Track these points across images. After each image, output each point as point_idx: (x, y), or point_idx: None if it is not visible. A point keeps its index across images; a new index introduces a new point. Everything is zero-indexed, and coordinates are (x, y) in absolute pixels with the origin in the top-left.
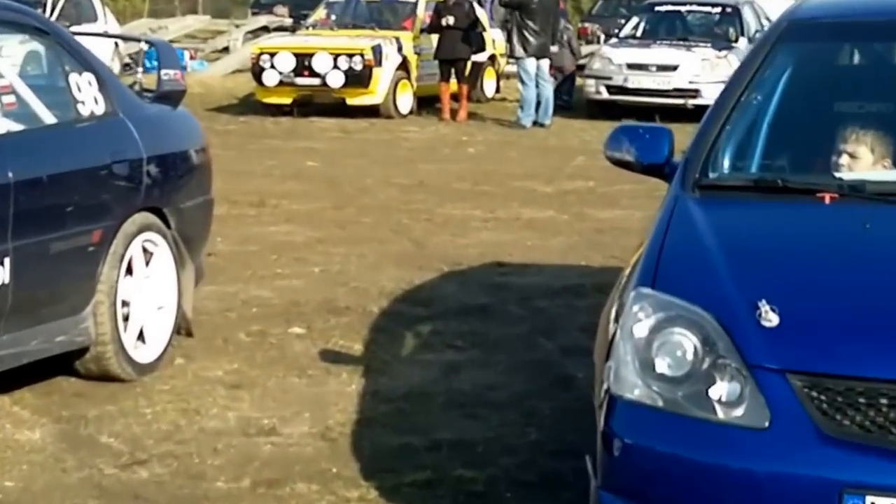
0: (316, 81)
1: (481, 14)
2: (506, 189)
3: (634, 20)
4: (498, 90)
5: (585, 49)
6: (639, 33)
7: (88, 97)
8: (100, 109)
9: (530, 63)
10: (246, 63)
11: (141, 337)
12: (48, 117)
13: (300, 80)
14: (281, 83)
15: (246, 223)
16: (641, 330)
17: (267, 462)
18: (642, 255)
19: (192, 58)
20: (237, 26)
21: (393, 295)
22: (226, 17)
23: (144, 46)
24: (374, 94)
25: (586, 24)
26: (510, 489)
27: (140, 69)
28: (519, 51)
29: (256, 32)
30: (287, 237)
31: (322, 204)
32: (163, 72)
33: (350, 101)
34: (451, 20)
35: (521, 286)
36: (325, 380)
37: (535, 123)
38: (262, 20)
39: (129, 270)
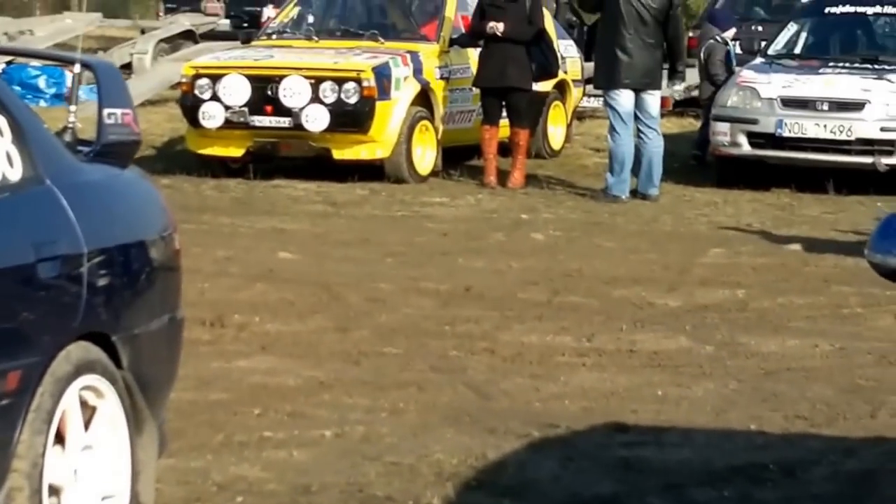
0: (284, 122)
1: (548, 17)
2: (604, 301)
3: (791, 28)
4: (568, 138)
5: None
6: (798, 49)
7: None
8: (15, 174)
9: (625, 98)
10: (162, 90)
11: None
12: None
13: (259, 121)
14: (228, 124)
15: (200, 354)
16: None
17: None
18: None
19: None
20: (144, 31)
21: (458, 477)
22: (123, 15)
23: (77, 69)
24: (378, 144)
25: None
26: None
27: (73, 106)
28: (604, 77)
29: (175, 41)
30: (270, 378)
31: (316, 323)
32: (106, 112)
33: (339, 155)
34: (500, 27)
35: (662, 465)
36: None
37: (633, 193)
38: (185, 22)
39: (60, 437)
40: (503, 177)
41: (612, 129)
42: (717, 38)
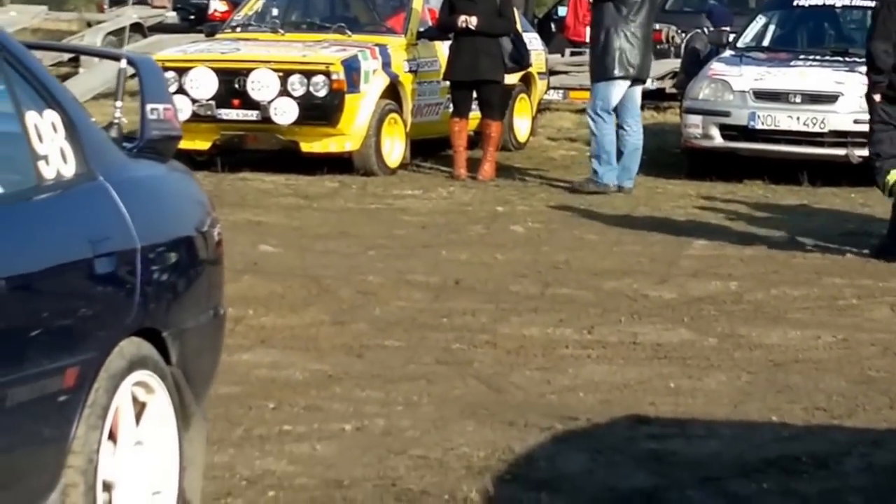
0: (252, 115)
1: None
2: (597, 293)
3: (759, 21)
4: (533, 131)
5: (663, 65)
6: (767, 41)
7: (53, 150)
8: (69, 169)
9: (619, 90)
10: (113, 82)
11: None
12: None
13: (226, 114)
14: (195, 118)
15: None
16: None
17: None
18: None
19: None
20: (90, 24)
21: (490, 471)
22: (65, 7)
23: (124, 65)
24: (347, 137)
25: (658, 27)
26: None
27: (119, 102)
28: (607, 68)
29: (122, 34)
30: (276, 371)
31: (311, 316)
32: (148, 107)
33: (307, 148)
34: (473, 21)
35: (693, 458)
36: None
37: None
38: (132, 14)
39: (111, 433)
40: (472, 169)
41: (599, 118)
42: (704, 29)
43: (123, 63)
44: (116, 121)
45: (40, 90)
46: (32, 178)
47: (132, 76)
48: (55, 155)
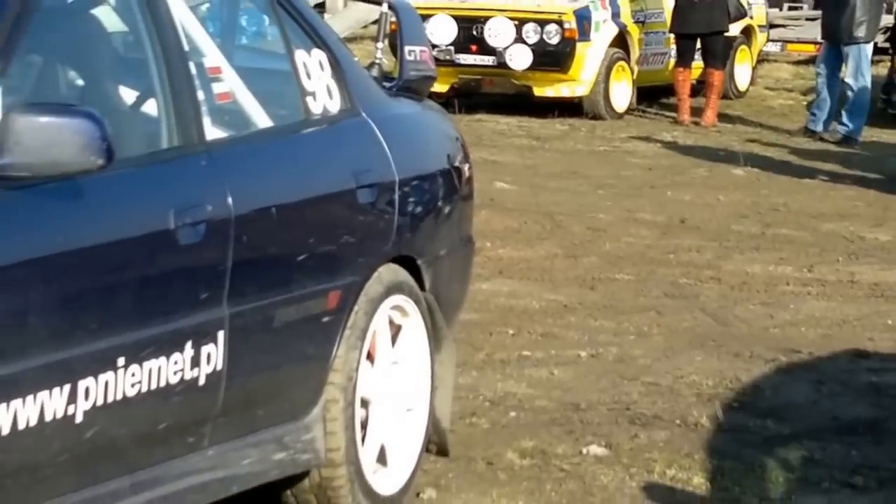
0: (488, 61)
1: None
2: (815, 234)
3: None
4: (753, 80)
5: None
6: None
7: (320, 87)
8: (334, 105)
9: (871, 48)
10: (356, 29)
11: (382, 456)
12: (262, 117)
13: (464, 59)
14: (435, 62)
15: None
16: None
17: None
18: None
19: None
20: None
21: (718, 398)
22: None
23: (385, 9)
24: (577, 82)
25: None
26: None
27: (380, 43)
28: (872, 32)
29: None
30: (514, 300)
31: (546, 249)
32: (407, 49)
33: (539, 92)
34: None
35: None
36: None
37: (814, 132)
38: None
39: (369, 354)
40: (695, 115)
41: (861, 75)
42: None
43: (385, 7)
44: (377, 61)
45: (308, 30)
46: (301, 112)
47: (373, 22)
48: (322, 92)
